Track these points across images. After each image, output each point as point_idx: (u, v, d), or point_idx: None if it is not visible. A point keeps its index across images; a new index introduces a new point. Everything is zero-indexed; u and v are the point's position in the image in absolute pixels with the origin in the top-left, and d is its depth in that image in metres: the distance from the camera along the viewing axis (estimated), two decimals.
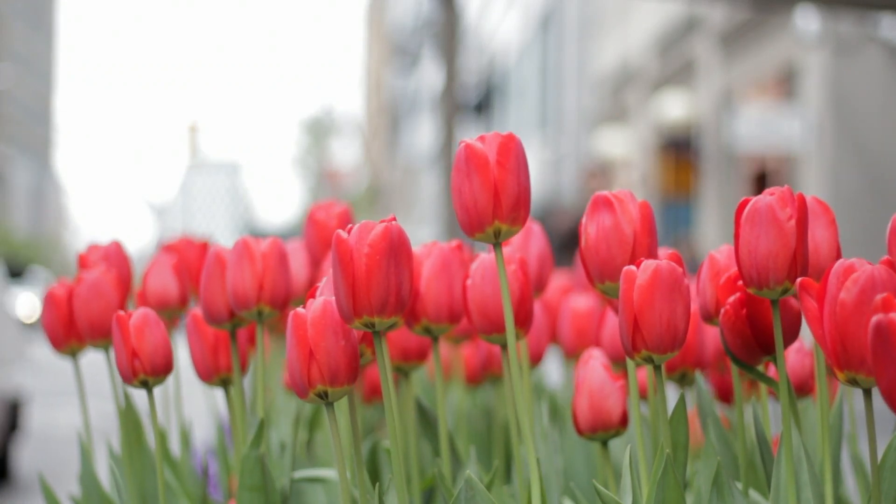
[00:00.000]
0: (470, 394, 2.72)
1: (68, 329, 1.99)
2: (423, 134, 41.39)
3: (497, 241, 1.47)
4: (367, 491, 1.47)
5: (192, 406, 3.03)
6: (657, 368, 1.41)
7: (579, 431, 1.68)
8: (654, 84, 18.64)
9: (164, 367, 1.68)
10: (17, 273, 9.18)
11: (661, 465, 1.40)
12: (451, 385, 2.71)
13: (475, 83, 31.61)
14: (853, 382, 1.25)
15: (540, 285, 1.99)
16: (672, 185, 17.87)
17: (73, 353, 2.01)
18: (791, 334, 1.54)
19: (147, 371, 1.66)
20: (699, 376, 1.95)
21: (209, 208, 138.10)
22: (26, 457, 7.73)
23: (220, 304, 1.78)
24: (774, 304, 1.44)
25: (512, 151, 1.45)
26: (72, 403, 9.77)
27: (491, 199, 1.45)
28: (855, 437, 1.97)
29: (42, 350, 10.82)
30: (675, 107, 17.46)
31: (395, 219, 1.42)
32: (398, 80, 51.95)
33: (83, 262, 2.10)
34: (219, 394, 4.99)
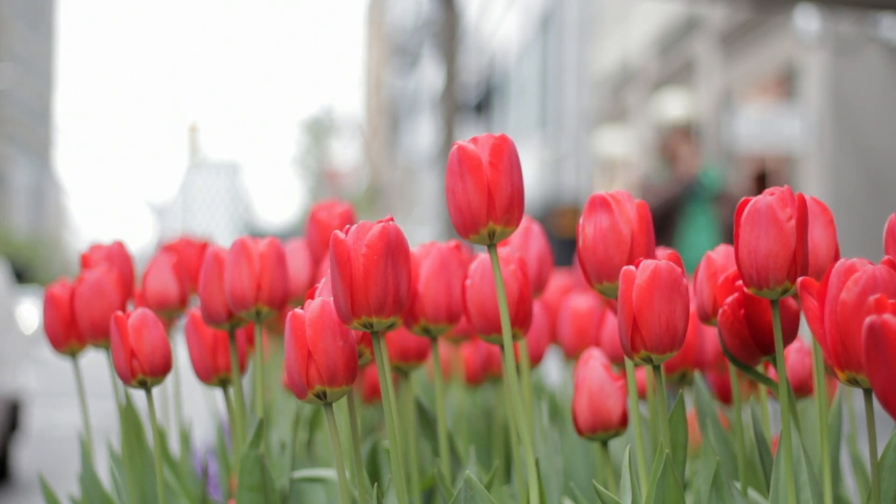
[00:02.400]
0: (470, 394, 2.72)
1: (69, 329, 1.99)
2: (423, 134, 41.38)
3: (491, 243, 1.47)
4: (366, 491, 1.47)
5: (192, 406, 3.03)
6: (656, 368, 1.41)
7: (579, 431, 1.68)
8: (654, 84, 18.64)
9: (162, 368, 1.68)
10: (17, 273, 9.14)
11: (661, 465, 1.40)
12: (451, 385, 2.71)
13: (475, 83, 31.61)
14: (854, 382, 1.25)
15: (540, 285, 1.99)
16: None
17: (73, 353, 2.01)
18: (789, 334, 1.54)
19: (145, 371, 1.66)
20: (698, 376, 1.95)
21: (209, 208, 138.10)
22: (26, 457, 7.73)
23: (218, 305, 1.78)
24: (774, 304, 1.44)
25: (504, 152, 1.46)
26: (72, 403, 9.77)
27: (484, 200, 1.45)
28: (855, 437, 1.97)
29: (42, 350, 10.82)
30: (675, 107, 17.46)
31: (392, 219, 1.42)
32: (398, 80, 51.94)
33: (86, 261, 2.10)
34: (218, 394, 4.98)
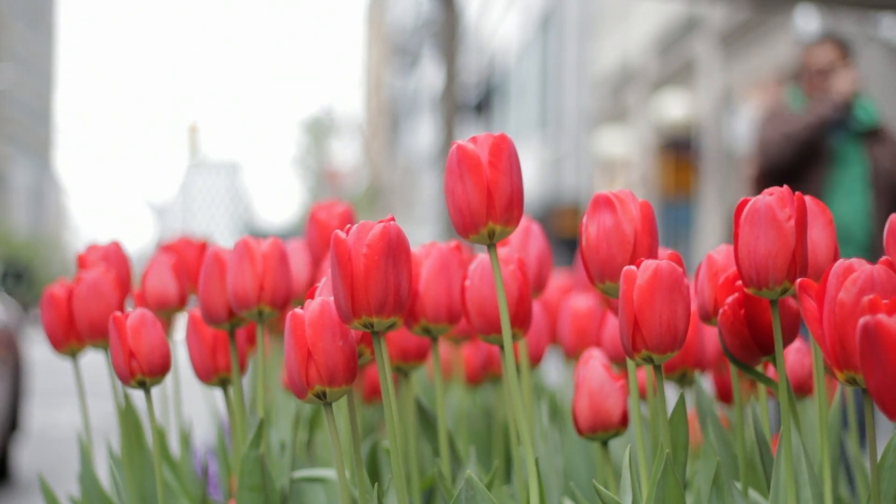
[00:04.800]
0: (470, 394, 2.72)
1: (68, 329, 1.99)
2: (423, 134, 41.38)
3: (491, 242, 1.47)
4: (366, 491, 1.47)
5: (192, 406, 3.03)
6: (657, 368, 1.41)
7: (579, 431, 1.68)
8: (654, 84, 18.64)
9: (161, 368, 1.68)
10: (17, 273, 9.14)
11: (661, 465, 1.40)
12: (451, 385, 2.71)
13: (475, 83, 31.60)
14: (852, 382, 1.25)
15: (539, 285, 1.99)
16: (672, 185, 17.86)
17: (72, 354, 2.01)
18: (789, 335, 1.54)
19: (144, 371, 1.66)
20: (699, 376, 1.95)
21: (209, 208, 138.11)
22: (26, 457, 7.72)
23: (218, 305, 1.78)
24: (774, 304, 1.44)
25: (504, 152, 1.46)
26: (72, 403, 9.77)
27: (484, 200, 1.45)
28: (855, 437, 1.96)
29: (42, 350, 10.81)
30: (675, 107, 17.44)
31: (393, 219, 1.42)
32: (398, 80, 51.93)
33: (83, 262, 2.10)
34: (218, 394, 4.99)
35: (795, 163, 4.70)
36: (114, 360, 1.68)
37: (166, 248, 2.37)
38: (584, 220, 1.52)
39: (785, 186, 1.42)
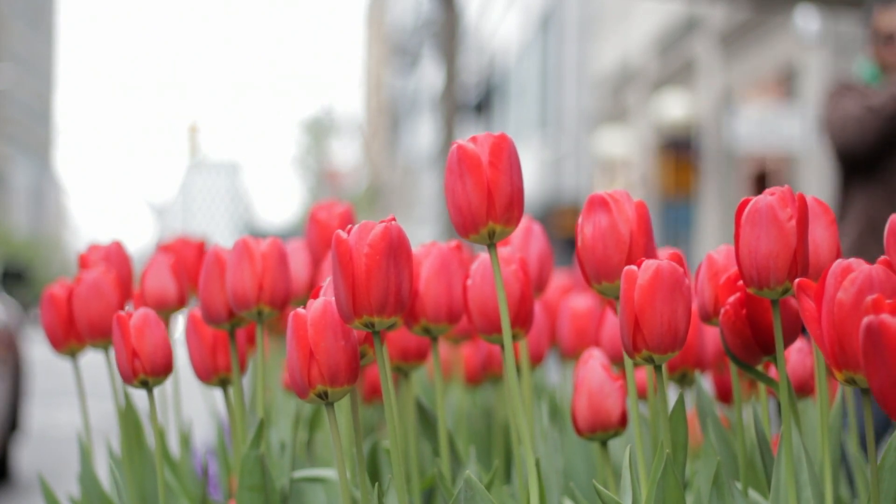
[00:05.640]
0: (470, 394, 2.72)
1: (68, 329, 1.99)
2: (423, 134, 41.37)
3: (491, 242, 1.48)
4: (367, 491, 1.47)
5: (192, 406, 3.03)
6: (658, 368, 1.41)
7: (578, 431, 1.68)
8: (654, 84, 18.63)
9: (164, 367, 1.68)
10: (17, 273, 9.08)
11: (661, 465, 1.40)
12: (451, 385, 2.71)
13: (475, 83, 31.60)
14: (851, 382, 1.25)
15: (540, 285, 1.99)
16: (672, 185, 17.86)
17: (72, 354, 2.01)
18: (791, 334, 1.54)
19: (147, 371, 1.66)
20: (699, 376, 1.95)
21: (209, 208, 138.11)
22: (26, 457, 7.72)
23: (218, 304, 1.78)
24: (775, 304, 1.44)
25: (504, 152, 1.46)
26: (72, 403, 9.77)
27: (484, 199, 1.45)
28: (855, 436, 1.96)
29: (42, 350, 10.81)
30: (675, 107, 17.44)
31: (394, 219, 1.42)
32: (398, 80, 51.91)
33: (83, 262, 2.10)
34: (218, 394, 4.99)
35: (878, 144, 3.91)
36: (117, 360, 1.68)
37: (165, 249, 2.37)
38: (580, 220, 1.52)
39: (786, 186, 1.42)
